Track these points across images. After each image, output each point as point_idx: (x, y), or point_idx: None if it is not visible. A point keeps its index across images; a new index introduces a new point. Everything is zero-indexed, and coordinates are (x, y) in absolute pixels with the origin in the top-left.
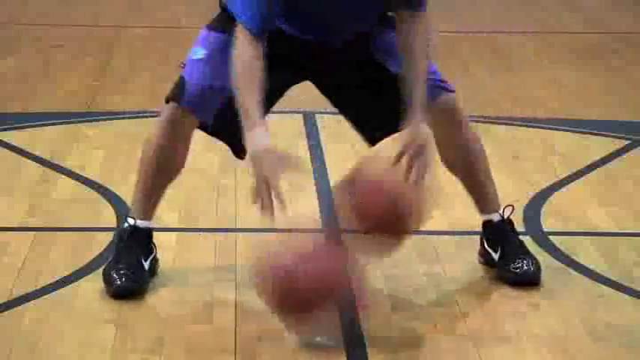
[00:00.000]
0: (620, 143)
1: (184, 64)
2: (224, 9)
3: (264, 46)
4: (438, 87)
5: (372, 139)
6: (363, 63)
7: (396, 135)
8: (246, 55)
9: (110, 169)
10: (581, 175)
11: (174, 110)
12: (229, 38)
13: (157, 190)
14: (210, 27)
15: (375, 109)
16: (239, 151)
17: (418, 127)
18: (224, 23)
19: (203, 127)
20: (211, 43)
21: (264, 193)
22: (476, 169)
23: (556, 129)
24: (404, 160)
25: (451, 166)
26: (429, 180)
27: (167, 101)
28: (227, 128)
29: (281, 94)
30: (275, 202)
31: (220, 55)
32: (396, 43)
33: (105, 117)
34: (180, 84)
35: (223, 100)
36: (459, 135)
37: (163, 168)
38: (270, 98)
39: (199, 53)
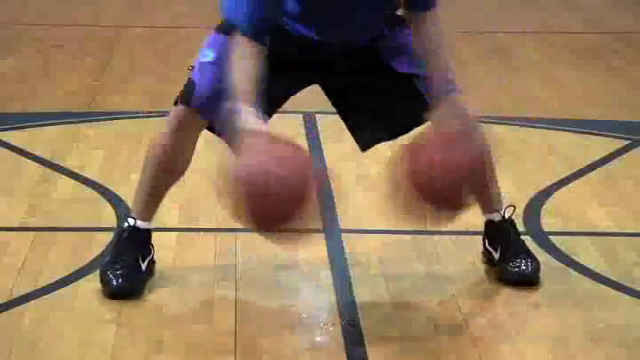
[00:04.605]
0: (620, 143)
1: (193, 67)
2: None
3: (264, 47)
4: (445, 87)
5: (366, 144)
6: (371, 66)
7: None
8: (243, 54)
9: (110, 169)
10: (581, 175)
11: (183, 112)
12: None
13: (160, 191)
14: (220, 29)
15: (375, 113)
16: None
17: (452, 112)
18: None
19: (210, 128)
20: (220, 46)
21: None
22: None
23: (556, 129)
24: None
25: None
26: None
27: (175, 103)
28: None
29: (286, 98)
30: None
31: (229, 57)
32: (412, 44)
33: (105, 117)
34: (190, 86)
35: None
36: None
37: (169, 169)
38: (276, 101)
39: (209, 56)
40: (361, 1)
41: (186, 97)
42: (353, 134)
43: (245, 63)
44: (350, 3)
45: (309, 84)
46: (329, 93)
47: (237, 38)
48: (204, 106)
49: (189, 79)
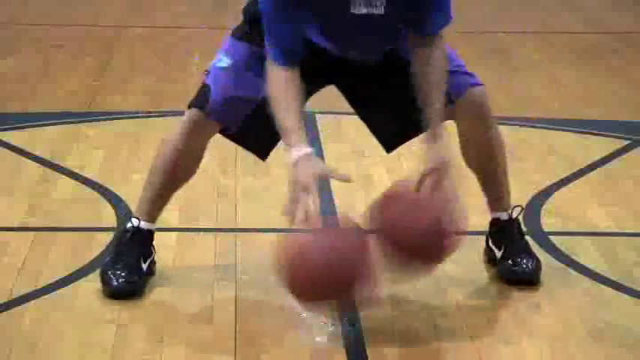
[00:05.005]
0: (620, 143)
1: (208, 72)
2: (249, 20)
3: (298, 68)
4: (465, 80)
5: (391, 145)
6: (388, 61)
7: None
8: (280, 79)
9: (110, 169)
10: (581, 175)
11: (197, 116)
12: (255, 49)
13: (167, 192)
14: (236, 35)
15: (396, 111)
16: (261, 152)
17: (438, 152)
18: (249, 33)
19: (222, 131)
20: (236, 52)
21: (302, 201)
22: (494, 168)
23: (556, 129)
24: (427, 183)
25: (470, 162)
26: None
27: (189, 107)
28: (251, 135)
29: (306, 100)
30: (310, 208)
31: (245, 64)
32: (411, 67)
33: (105, 117)
34: (205, 91)
35: (247, 109)
36: (482, 131)
37: (178, 171)
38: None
39: (224, 61)
40: (374, 32)
41: (200, 101)
42: (376, 136)
43: (285, 95)
44: (362, 35)
45: (325, 85)
46: (346, 93)
47: (270, 67)
48: (219, 111)
49: (204, 83)
